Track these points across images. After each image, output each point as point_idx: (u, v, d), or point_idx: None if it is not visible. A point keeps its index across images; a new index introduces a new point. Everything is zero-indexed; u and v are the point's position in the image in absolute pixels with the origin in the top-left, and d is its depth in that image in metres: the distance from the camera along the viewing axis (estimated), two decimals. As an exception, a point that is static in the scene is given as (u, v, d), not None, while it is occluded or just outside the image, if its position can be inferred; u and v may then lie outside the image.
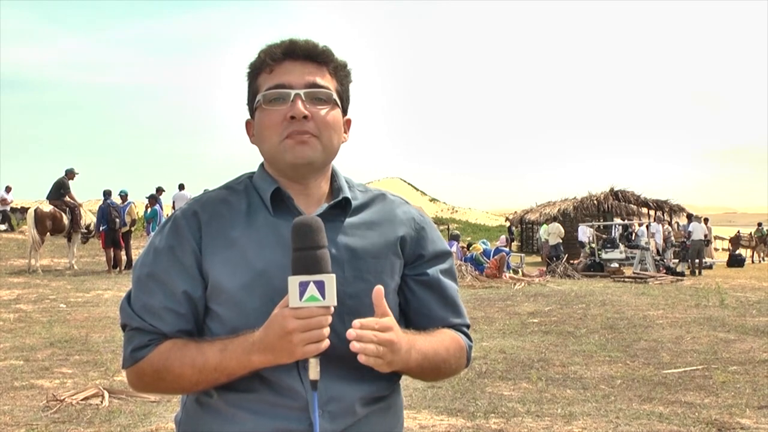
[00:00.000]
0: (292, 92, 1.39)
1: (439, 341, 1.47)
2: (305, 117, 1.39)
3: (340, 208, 1.45)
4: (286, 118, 1.39)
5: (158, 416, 5.03)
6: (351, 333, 1.26)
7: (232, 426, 1.37)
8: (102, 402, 5.31)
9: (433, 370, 1.46)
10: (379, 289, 1.32)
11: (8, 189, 25.34)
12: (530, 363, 7.03)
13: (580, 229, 24.84)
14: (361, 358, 1.27)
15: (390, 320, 1.32)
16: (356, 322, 1.27)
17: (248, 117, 1.50)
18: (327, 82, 1.43)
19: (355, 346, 1.26)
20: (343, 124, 1.48)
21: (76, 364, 6.76)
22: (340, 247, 1.41)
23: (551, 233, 23.52)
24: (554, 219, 26.08)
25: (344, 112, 1.49)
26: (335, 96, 1.44)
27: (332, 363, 1.33)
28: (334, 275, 1.26)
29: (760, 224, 31.38)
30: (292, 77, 1.41)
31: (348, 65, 1.49)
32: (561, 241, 23.34)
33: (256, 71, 1.45)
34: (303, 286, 1.24)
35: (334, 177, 1.51)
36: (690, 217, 26.61)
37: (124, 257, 16.54)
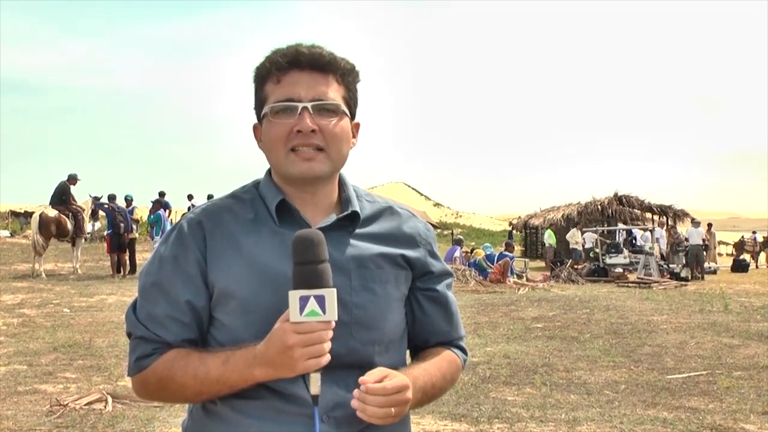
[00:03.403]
0: (300, 105, 1.38)
1: (437, 369, 1.48)
2: (312, 131, 1.38)
3: (348, 219, 1.45)
4: (293, 131, 1.38)
5: (162, 421, 5.02)
6: (357, 394, 1.28)
7: (236, 431, 1.37)
8: (105, 407, 5.31)
9: (428, 400, 1.48)
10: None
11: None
12: (534, 368, 7.02)
13: (585, 236, 24.90)
14: (373, 421, 1.28)
15: (405, 378, 1.33)
16: (363, 385, 1.28)
17: (255, 122, 1.49)
18: (334, 91, 1.41)
19: (366, 411, 1.27)
20: (351, 129, 1.47)
21: (79, 368, 6.77)
22: (347, 258, 1.41)
23: (570, 240, 24.03)
24: (576, 224, 26.68)
25: (353, 117, 1.47)
26: (343, 106, 1.42)
27: (337, 370, 1.33)
28: (334, 290, 1.24)
29: None
30: (300, 89, 1.39)
31: (355, 68, 1.47)
32: (581, 247, 23.85)
33: (263, 79, 1.44)
34: (303, 301, 1.23)
35: (342, 186, 1.50)
36: (693, 223, 26.68)
37: (128, 262, 16.56)
